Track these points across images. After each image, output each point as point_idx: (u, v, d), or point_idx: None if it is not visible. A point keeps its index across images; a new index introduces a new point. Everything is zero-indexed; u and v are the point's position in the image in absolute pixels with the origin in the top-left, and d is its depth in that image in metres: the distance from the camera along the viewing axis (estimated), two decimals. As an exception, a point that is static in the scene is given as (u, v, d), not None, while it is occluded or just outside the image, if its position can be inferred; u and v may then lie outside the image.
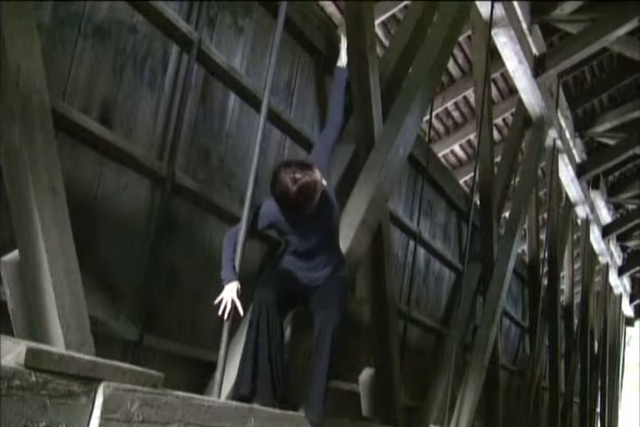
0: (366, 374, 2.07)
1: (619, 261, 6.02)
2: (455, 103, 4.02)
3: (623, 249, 6.15)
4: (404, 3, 3.07)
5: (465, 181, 4.43)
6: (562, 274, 4.54)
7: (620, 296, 6.42)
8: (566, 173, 4.16)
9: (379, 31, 3.18)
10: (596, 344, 5.51)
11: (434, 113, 3.35)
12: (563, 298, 4.65)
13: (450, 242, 2.97)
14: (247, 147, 1.57)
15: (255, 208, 1.28)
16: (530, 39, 3.11)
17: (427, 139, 2.95)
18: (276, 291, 1.25)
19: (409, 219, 2.49)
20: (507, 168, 3.32)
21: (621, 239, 5.89)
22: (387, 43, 3.19)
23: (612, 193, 5.20)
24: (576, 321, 4.82)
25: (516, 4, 2.89)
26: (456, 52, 3.57)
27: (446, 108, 4.04)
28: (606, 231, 5.25)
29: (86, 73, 1.20)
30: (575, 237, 4.96)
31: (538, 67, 3.22)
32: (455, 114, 4.17)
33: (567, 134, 4.01)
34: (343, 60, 1.51)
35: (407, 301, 2.48)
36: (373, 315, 2.10)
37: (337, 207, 1.32)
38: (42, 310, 1.01)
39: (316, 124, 1.88)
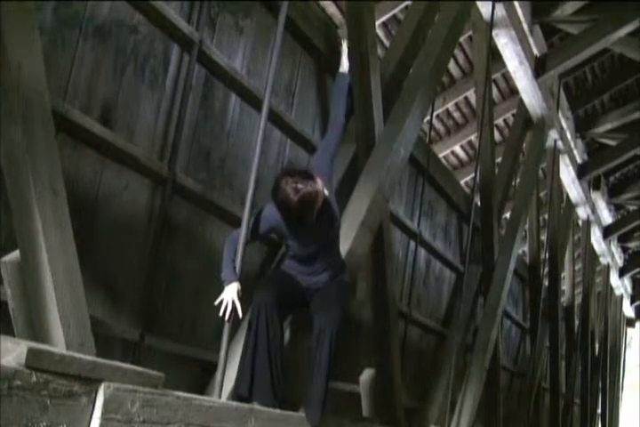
0: (367, 374, 2.07)
1: (620, 262, 6.01)
2: (456, 104, 4.02)
3: (624, 250, 6.15)
4: (405, 3, 3.07)
5: (466, 182, 4.43)
6: (563, 275, 4.53)
7: (621, 297, 6.41)
8: (567, 174, 4.16)
9: (379, 32, 3.19)
10: (597, 345, 5.50)
11: (434, 113, 3.34)
12: (563, 299, 4.65)
13: (450, 243, 2.97)
14: (248, 147, 1.57)
15: (257, 213, 1.29)
16: (531, 40, 3.11)
17: (427, 139, 2.96)
18: (275, 292, 1.26)
19: (410, 219, 2.49)
20: (507, 169, 3.32)
21: (622, 240, 5.89)
22: (387, 43, 3.20)
23: (613, 194, 5.19)
24: (577, 322, 4.82)
25: (516, 4, 2.89)
26: (457, 52, 3.57)
27: (447, 109, 4.04)
28: (607, 232, 5.24)
29: (87, 73, 1.20)
30: (576, 237, 4.95)
31: (539, 67, 3.21)
32: (456, 114, 4.17)
33: (568, 135, 4.00)
34: (345, 65, 1.51)
35: (408, 301, 2.48)
36: (374, 316, 2.10)
37: (338, 215, 1.33)
38: (42, 311, 1.01)
39: (317, 124, 1.89)
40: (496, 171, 3.18)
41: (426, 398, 2.57)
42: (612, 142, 4.47)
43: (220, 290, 1.24)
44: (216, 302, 1.21)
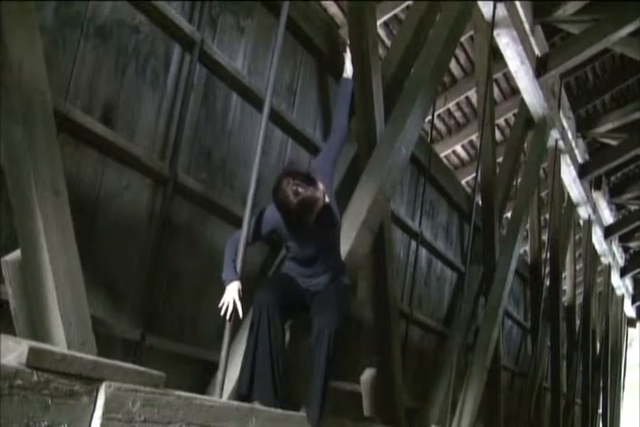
0: (368, 374, 2.07)
1: (621, 262, 5.99)
2: (457, 103, 4.01)
3: (625, 250, 6.13)
4: (406, 3, 3.06)
5: (467, 182, 4.42)
6: (564, 275, 4.51)
7: (622, 297, 6.39)
8: (568, 174, 4.14)
9: (381, 31, 3.18)
10: (598, 345, 5.49)
11: (436, 113, 3.32)
12: (565, 299, 4.62)
13: (452, 242, 2.97)
14: (249, 147, 1.57)
15: (258, 214, 1.29)
16: (532, 40, 3.11)
17: (429, 139, 2.97)
18: (275, 292, 1.26)
19: (411, 219, 2.48)
20: (509, 169, 3.32)
21: (623, 240, 5.87)
22: (389, 43, 3.19)
23: (614, 194, 5.18)
24: (578, 322, 4.82)
25: (518, 4, 2.88)
26: (458, 52, 3.56)
27: (448, 109, 4.03)
28: (608, 232, 5.22)
29: (88, 73, 1.20)
30: (577, 237, 4.94)
31: (540, 67, 3.21)
32: (457, 114, 4.16)
33: (569, 135, 3.99)
34: (348, 71, 1.50)
35: (409, 301, 2.48)
36: (375, 315, 2.10)
37: (339, 218, 1.33)
38: (44, 310, 1.01)
39: (318, 124, 1.88)
40: (497, 170, 3.18)
41: (427, 398, 2.57)
42: (613, 142, 4.46)
43: (221, 290, 1.25)
44: (220, 305, 1.21)
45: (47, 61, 1.05)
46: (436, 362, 2.70)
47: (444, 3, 2.21)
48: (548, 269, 3.97)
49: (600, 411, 5.71)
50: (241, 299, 1.21)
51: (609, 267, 5.57)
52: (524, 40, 2.98)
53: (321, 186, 1.22)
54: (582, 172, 4.32)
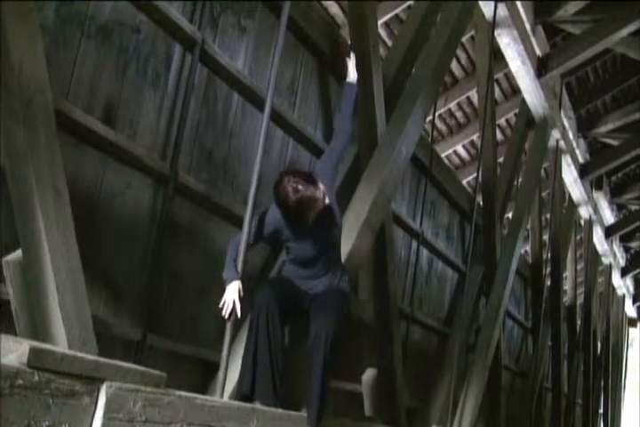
0: (369, 374, 2.06)
1: (622, 262, 5.99)
2: (458, 104, 4.01)
3: (626, 250, 6.12)
4: (407, 3, 3.06)
5: (468, 182, 4.41)
6: (565, 275, 4.52)
7: (623, 297, 6.39)
8: (569, 174, 4.14)
9: (381, 31, 3.17)
10: (599, 345, 5.48)
11: (437, 113, 3.32)
12: (565, 299, 4.62)
13: (453, 242, 2.96)
14: (250, 147, 1.57)
15: (260, 215, 1.29)
16: (533, 40, 3.10)
17: (430, 139, 2.95)
18: (275, 292, 1.26)
19: (412, 219, 2.48)
20: (510, 169, 3.31)
21: (624, 240, 5.86)
22: (390, 43, 3.19)
23: (615, 194, 5.17)
24: (579, 322, 4.82)
25: (519, 4, 2.88)
26: (459, 52, 3.56)
27: (449, 109, 4.02)
28: (609, 232, 5.22)
29: (89, 73, 1.20)
30: (578, 237, 4.95)
31: (541, 67, 3.20)
32: (458, 114, 4.16)
33: (570, 135, 3.99)
34: (352, 75, 1.48)
35: (410, 301, 2.47)
36: (376, 315, 2.09)
37: (340, 221, 1.32)
38: (45, 310, 1.01)
39: (319, 123, 1.88)
40: (498, 170, 3.18)
41: (428, 398, 2.56)
42: (614, 142, 4.46)
43: (222, 290, 1.24)
44: (221, 304, 1.21)
45: (48, 61, 1.05)
46: (437, 362, 2.70)
47: (444, 3, 2.20)
48: (548, 269, 3.96)
49: (601, 411, 5.70)
50: (241, 299, 1.21)
51: (610, 267, 5.57)
52: (524, 40, 2.98)
53: (321, 186, 1.23)
54: (583, 172, 4.32)
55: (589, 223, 4.78)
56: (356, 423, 1.57)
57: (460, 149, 4.48)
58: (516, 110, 3.67)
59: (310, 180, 1.21)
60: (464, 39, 3.35)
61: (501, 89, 4.00)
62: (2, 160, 1.02)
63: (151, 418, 0.82)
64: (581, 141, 4.31)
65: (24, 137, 1.01)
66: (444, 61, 2.22)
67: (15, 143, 1.01)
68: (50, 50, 1.10)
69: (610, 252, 5.40)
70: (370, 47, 1.83)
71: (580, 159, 4.30)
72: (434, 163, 2.58)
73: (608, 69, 4.24)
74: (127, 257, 1.30)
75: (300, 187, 1.18)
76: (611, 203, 5.10)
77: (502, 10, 2.74)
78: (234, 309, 1.19)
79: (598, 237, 5.06)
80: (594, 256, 5.10)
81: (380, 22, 2.91)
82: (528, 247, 4.24)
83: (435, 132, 3.51)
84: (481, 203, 3.03)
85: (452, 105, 3.95)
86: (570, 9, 3.13)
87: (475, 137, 4.19)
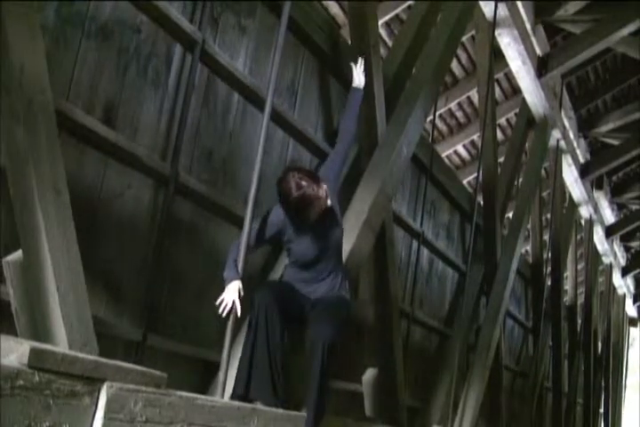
0: (370, 374, 2.06)
1: (622, 262, 5.98)
2: (459, 103, 4.01)
3: (627, 249, 6.12)
4: (408, 3, 3.06)
5: (468, 182, 4.41)
6: (565, 274, 4.52)
7: (624, 297, 6.37)
8: (570, 174, 4.14)
9: (382, 31, 3.18)
10: (600, 345, 5.48)
11: (437, 113, 3.33)
12: (566, 298, 4.61)
13: (453, 242, 2.96)
14: (250, 147, 1.57)
15: (262, 217, 1.29)
16: (533, 39, 3.10)
17: (430, 139, 2.94)
18: (274, 292, 1.25)
19: (412, 219, 2.48)
20: (510, 168, 3.31)
21: (625, 240, 5.86)
22: (390, 43, 3.18)
23: (615, 193, 5.17)
24: (579, 322, 4.81)
25: (519, 4, 2.88)
26: (459, 52, 3.56)
27: (450, 109, 4.02)
28: (610, 232, 5.22)
29: (90, 73, 1.20)
30: (579, 237, 4.95)
31: (541, 67, 3.20)
32: (459, 114, 4.16)
33: (571, 135, 3.99)
34: (357, 80, 1.47)
35: (410, 301, 2.47)
36: (376, 315, 2.09)
37: (342, 226, 1.32)
38: (45, 310, 1.00)
39: (320, 123, 1.88)
40: (499, 170, 3.18)
41: (428, 398, 2.56)
42: (614, 142, 4.46)
43: (223, 290, 1.24)
44: (217, 302, 1.20)
45: (48, 61, 1.04)
46: (438, 362, 2.69)
47: (445, 2, 2.20)
48: (549, 269, 3.96)
49: (602, 411, 5.69)
50: (241, 299, 1.21)
51: (610, 266, 5.56)
52: (525, 40, 2.98)
53: (324, 186, 1.23)
54: (584, 171, 4.32)
55: (590, 223, 4.78)
56: (356, 423, 1.57)
57: (460, 148, 4.48)
58: (517, 110, 3.68)
59: (314, 178, 1.22)
60: (464, 39, 3.35)
61: (502, 89, 3.99)
62: (2, 160, 1.02)
63: (152, 418, 0.82)
64: (582, 141, 4.31)
65: (24, 137, 1.01)
66: (444, 61, 2.22)
67: (15, 143, 1.01)
68: (50, 50, 1.10)
69: (610, 251, 5.40)
70: (370, 47, 1.83)
71: (581, 159, 4.30)
72: (434, 163, 2.57)
73: (608, 69, 4.24)
74: (128, 257, 1.30)
75: (303, 183, 1.19)
76: (611, 202, 5.10)
77: (502, 9, 2.74)
78: (233, 308, 1.19)
79: (599, 236, 5.05)
80: (594, 256, 5.10)
81: (380, 22, 2.91)
82: (528, 247, 4.24)
83: (435, 132, 3.52)
84: (481, 203, 3.02)
85: (453, 105, 3.95)
86: (570, 8, 3.13)
87: (475, 137, 4.19)
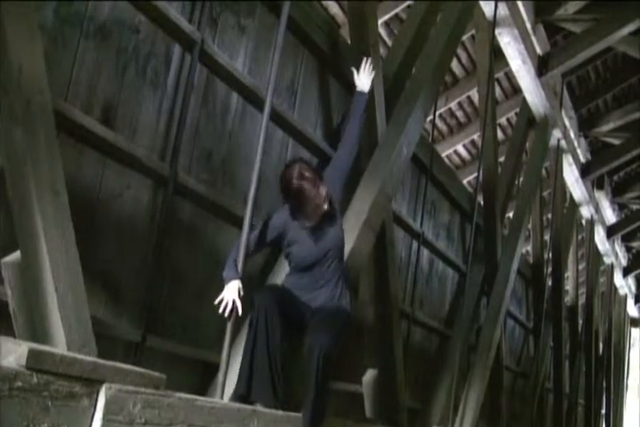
0: (370, 375, 2.05)
1: (624, 262, 5.97)
2: (459, 103, 4.01)
3: (628, 249, 6.11)
4: (407, 2, 3.06)
5: (469, 182, 4.40)
6: (566, 275, 4.51)
7: (625, 297, 6.36)
8: (570, 173, 4.13)
9: (382, 31, 3.17)
10: (601, 345, 5.47)
11: (437, 113, 3.32)
12: (567, 299, 4.60)
13: (453, 242, 2.95)
14: (250, 147, 1.56)
15: (264, 221, 1.29)
16: (534, 39, 3.10)
17: (430, 139, 2.94)
18: (275, 294, 1.25)
19: (412, 219, 2.47)
20: (511, 168, 3.30)
21: (626, 240, 5.85)
22: (390, 42, 3.18)
23: (616, 193, 5.16)
24: (580, 322, 4.80)
25: (519, 3, 2.87)
26: (459, 51, 3.56)
27: (450, 108, 4.02)
28: (611, 232, 5.21)
29: (88, 73, 1.20)
30: (579, 237, 4.94)
31: (542, 66, 3.20)
32: (459, 114, 4.16)
33: (571, 134, 3.99)
34: (362, 85, 1.43)
35: (410, 301, 2.46)
36: (377, 316, 2.09)
37: (343, 235, 1.31)
38: (43, 311, 1.00)
39: (319, 123, 1.87)
40: (499, 170, 3.17)
41: (429, 399, 2.56)
42: (615, 141, 4.45)
43: (222, 290, 1.23)
44: (216, 301, 1.20)
45: (47, 61, 1.04)
46: (438, 363, 2.68)
47: (445, 2, 2.20)
48: (550, 269, 3.95)
49: (603, 412, 5.69)
50: (241, 298, 1.20)
51: (611, 267, 5.55)
52: (525, 39, 2.97)
53: (325, 188, 1.23)
54: (584, 171, 4.31)
55: (591, 223, 4.77)
56: (356, 425, 1.57)
57: (460, 148, 4.48)
58: (517, 110, 3.67)
59: (318, 175, 1.23)
60: (464, 38, 3.34)
61: (502, 88, 3.99)
62: (0, 161, 1.02)
63: (151, 420, 0.81)
64: (582, 141, 4.30)
65: (22, 138, 1.00)
66: (444, 61, 2.22)
67: (14, 144, 1.01)
68: (49, 50, 1.09)
69: (611, 251, 5.39)
70: (370, 47, 1.83)
71: (582, 159, 4.29)
72: (434, 162, 2.57)
73: (609, 68, 4.23)
74: (127, 258, 1.29)
75: (306, 174, 1.20)
76: (612, 202, 5.09)
77: (503, 9, 2.73)
78: (234, 308, 1.18)
79: (600, 236, 5.04)
80: (595, 256, 5.09)
81: (380, 22, 2.91)
82: (529, 247, 4.25)
83: (435, 132, 3.51)
84: (482, 203, 3.01)
85: (453, 104, 3.95)
86: (570, 8, 3.13)
87: (475, 136, 4.19)
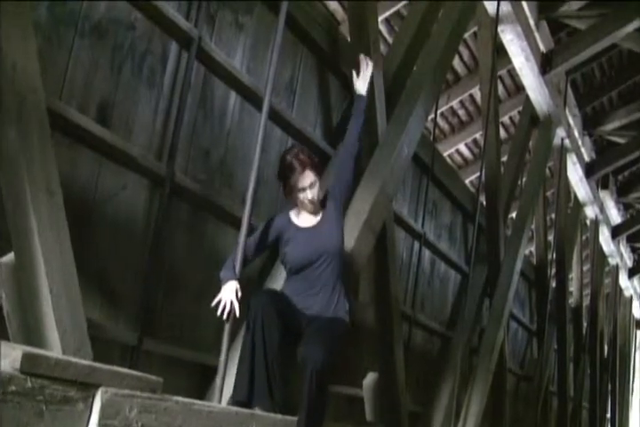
0: (370, 378, 2.03)
1: (629, 263, 5.92)
2: (461, 101, 3.97)
3: (633, 250, 6.07)
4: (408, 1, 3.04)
5: (471, 181, 4.38)
6: (570, 276, 4.47)
7: (631, 298, 6.32)
8: (575, 173, 4.10)
9: (382, 28, 3.14)
10: (606, 348, 5.42)
11: (439, 111, 3.30)
12: (571, 300, 4.59)
13: (455, 243, 2.93)
14: (248, 146, 1.55)
15: (264, 224, 1.29)
16: (537, 36, 3.07)
17: (432, 138, 2.91)
18: (272, 297, 1.23)
19: (413, 220, 2.46)
20: (514, 168, 3.27)
21: (632, 240, 5.80)
22: (390, 40, 3.15)
23: (621, 193, 5.12)
24: (585, 324, 4.75)
25: (523, -1, 2.86)
26: (461, 49, 3.52)
27: (451, 107, 3.99)
28: (616, 232, 5.16)
29: (84, 72, 1.18)
30: (584, 237, 4.89)
31: (545, 64, 3.17)
32: (461, 112, 4.12)
33: (575, 133, 3.95)
34: (359, 88, 1.39)
35: (412, 303, 2.45)
36: (377, 318, 2.07)
37: (342, 242, 1.29)
38: (38, 314, 0.99)
39: (319, 122, 1.86)
40: (502, 170, 3.14)
41: (430, 403, 2.53)
42: (620, 140, 4.41)
43: (219, 291, 1.21)
44: (213, 303, 1.18)
45: (41, 59, 1.03)
46: (440, 365, 2.66)
47: (445, 1, 2.17)
48: (554, 271, 3.92)
49: (608, 415, 5.63)
50: (239, 299, 1.18)
51: (617, 268, 5.51)
52: (528, 36, 2.94)
53: (317, 177, 1.25)
54: (589, 170, 4.27)
55: (595, 223, 4.73)
56: (357, 429, 1.53)
57: (462, 147, 4.44)
58: (520, 108, 3.63)
59: (313, 161, 1.25)
60: (466, 35, 3.31)
61: (505, 86, 3.95)
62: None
63: (147, 424, 0.80)
64: (587, 139, 4.27)
65: (16, 137, 1.00)
66: (446, 58, 2.20)
67: (7, 143, 1.00)
68: (43, 48, 1.08)
69: (616, 252, 5.34)
70: (370, 44, 1.81)
71: (586, 158, 4.26)
72: (436, 162, 2.55)
73: (614, 65, 4.19)
74: (123, 259, 1.28)
75: (301, 155, 1.23)
76: (617, 202, 5.05)
77: (505, 5, 2.71)
78: (231, 309, 1.17)
79: (604, 237, 5.00)
80: (600, 257, 5.05)
81: (380, 18, 2.87)
82: (532, 248, 4.25)
83: (437, 131, 3.48)
84: (484, 203, 3.00)
85: (455, 103, 3.91)
86: (574, 4, 3.10)
87: (478, 135, 4.16)
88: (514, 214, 3.72)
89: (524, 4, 2.88)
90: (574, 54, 3.16)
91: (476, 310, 2.88)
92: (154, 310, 1.34)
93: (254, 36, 1.59)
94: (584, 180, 4.21)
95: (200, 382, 1.43)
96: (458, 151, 4.47)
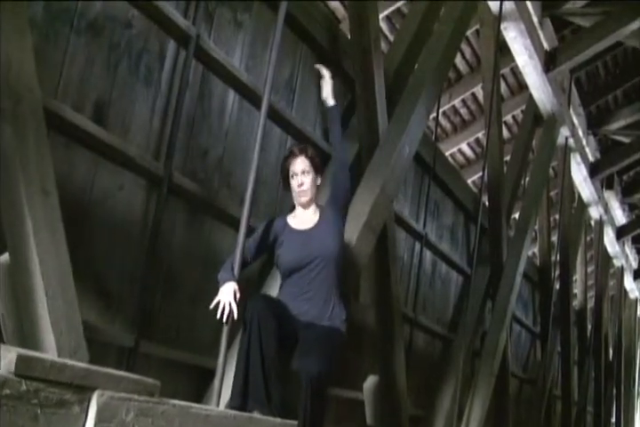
0: (371, 381, 2.01)
1: (634, 264, 5.87)
2: (463, 100, 3.95)
3: (638, 251, 6.02)
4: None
5: (473, 181, 4.35)
6: (574, 277, 4.42)
7: (636, 300, 6.26)
8: (579, 173, 4.05)
9: (383, 26, 3.12)
10: (611, 351, 5.37)
11: (441, 110, 3.29)
12: (575, 303, 4.52)
13: (457, 244, 2.91)
14: (247, 146, 1.53)
15: (263, 227, 1.29)
16: (540, 33, 3.04)
17: (433, 137, 2.89)
18: (268, 301, 1.22)
19: (415, 220, 2.44)
20: (517, 167, 3.24)
21: (637, 241, 5.76)
22: (391, 38, 3.12)
23: (626, 193, 5.07)
24: (589, 327, 4.72)
25: (526, -3, 2.83)
26: (464, 46, 3.48)
27: (454, 106, 3.96)
28: (621, 233, 5.11)
29: (80, 70, 1.17)
30: (588, 238, 4.85)
31: (549, 62, 3.14)
32: (463, 111, 4.10)
33: (580, 132, 3.91)
34: (328, 98, 1.36)
35: (413, 305, 2.42)
36: (378, 320, 2.05)
37: (341, 247, 1.27)
38: (33, 316, 0.98)
39: (318, 121, 1.84)
40: (505, 169, 3.12)
41: (432, 406, 2.51)
42: (625, 139, 4.37)
43: (217, 293, 1.20)
44: (212, 305, 1.16)
45: (37, 58, 1.02)
46: (442, 368, 2.63)
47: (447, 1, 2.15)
48: (557, 272, 3.87)
49: (613, 419, 5.59)
50: (237, 301, 1.17)
51: (622, 269, 5.45)
52: (532, 34, 2.91)
53: (318, 177, 1.28)
54: (593, 170, 4.23)
55: (600, 224, 4.68)
56: (357, 433, 1.51)
57: (464, 147, 4.41)
58: (523, 107, 3.60)
59: (319, 164, 1.28)
60: (469, 33, 3.27)
61: (508, 85, 3.92)
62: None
63: (143, 428, 0.78)
64: (591, 139, 4.22)
65: (11, 137, 0.99)
66: (447, 56, 2.18)
67: (2, 143, 0.99)
68: (39, 46, 1.07)
69: (621, 253, 5.29)
70: (371, 42, 1.79)
71: (590, 157, 4.21)
72: (438, 162, 2.53)
73: (619, 64, 4.15)
74: (119, 260, 1.27)
75: (307, 149, 1.28)
76: (622, 203, 5.00)
77: (509, 3, 2.68)
78: (230, 311, 1.15)
79: (609, 238, 4.95)
80: (605, 258, 4.99)
81: (381, 16, 2.85)
82: (536, 249, 4.17)
83: (438, 130, 3.48)
84: (487, 203, 2.96)
85: (457, 101, 3.88)
86: (579, 1, 3.06)
87: (480, 135, 4.13)
88: (517, 215, 3.68)
89: (528, 2, 2.84)
90: (578, 52, 3.12)
91: (479, 313, 2.85)
92: (151, 311, 1.32)
93: (253, 34, 1.57)
94: (588, 180, 4.17)
95: (198, 384, 1.41)
96: (460, 151, 4.44)
